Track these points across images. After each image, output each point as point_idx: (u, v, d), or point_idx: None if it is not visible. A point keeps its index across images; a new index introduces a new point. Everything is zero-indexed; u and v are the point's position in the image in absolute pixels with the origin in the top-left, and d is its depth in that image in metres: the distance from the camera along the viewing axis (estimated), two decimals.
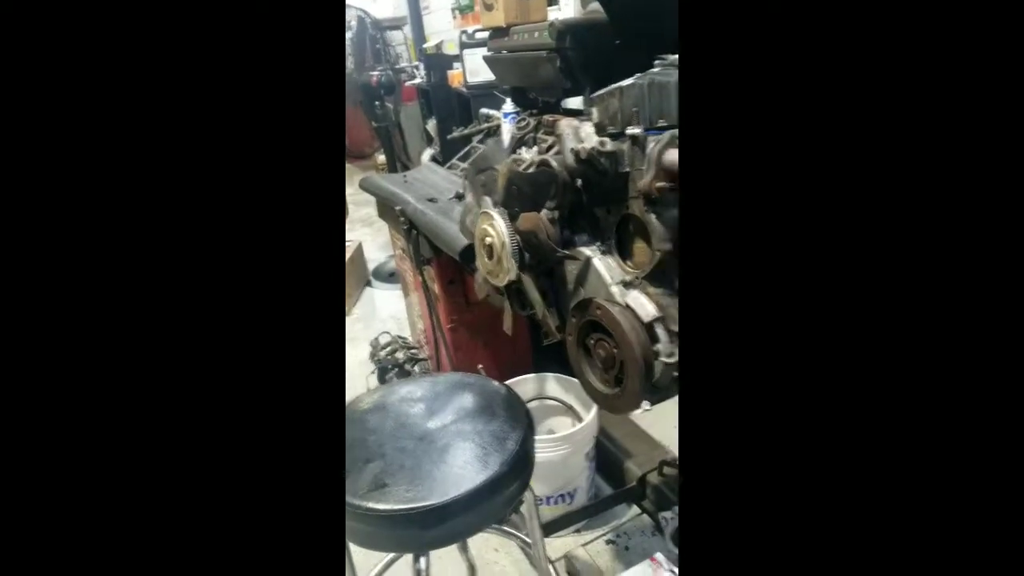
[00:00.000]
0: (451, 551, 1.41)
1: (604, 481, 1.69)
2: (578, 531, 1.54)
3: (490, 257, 0.93)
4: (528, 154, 0.89)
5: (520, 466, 0.85)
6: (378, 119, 3.47)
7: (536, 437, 1.44)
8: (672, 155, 0.74)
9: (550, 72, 1.56)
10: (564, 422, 1.66)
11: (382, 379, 2.14)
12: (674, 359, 0.76)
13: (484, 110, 1.99)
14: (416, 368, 2.13)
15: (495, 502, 0.81)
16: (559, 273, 0.94)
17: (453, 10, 3.35)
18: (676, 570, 1.26)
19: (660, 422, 1.95)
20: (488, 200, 0.92)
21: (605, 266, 0.85)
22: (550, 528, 1.44)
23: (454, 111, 3.46)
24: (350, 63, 3.56)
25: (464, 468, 0.81)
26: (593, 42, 1.72)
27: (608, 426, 1.73)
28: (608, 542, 1.51)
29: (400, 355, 2.19)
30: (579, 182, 0.85)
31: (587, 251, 0.88)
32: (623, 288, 0.82)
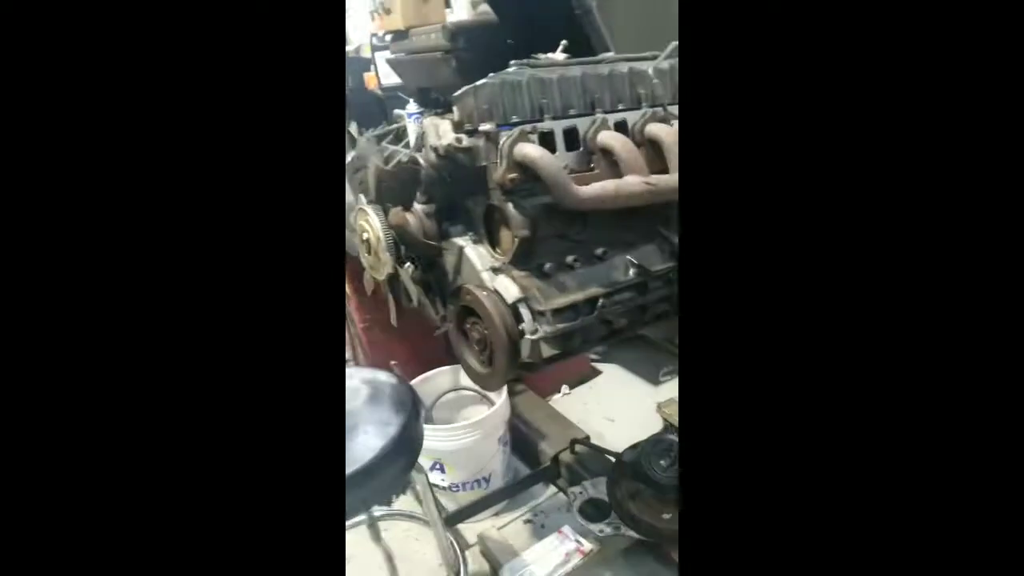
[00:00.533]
0: (365, 543, 1.43)
1: (522, 464, 1.76)
2: (496, 514, 1.59)
3: (369, 252, 0.97)
4: (400, 152, 0.93)
5: (402, 448, 0.89)
6: None
7: (447, 426, 1.50)
8: (522, 148, 0.80)
9: (446, 72, 1.60)
10: (480, 410, 1.72)
11: None
12: (537, 335, 0.83)
13: (397, 111, 2.02)
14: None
15: (379, 481, 0.86)
16: (440, 264, 0.99)
17: (371, 12, 3.34)
18: (581, 539, 1.34)
19: (576, 405, 2.04)
20: (363, 197, 0.96)
21: (476, 254, 0.91)
22: (467, 513, 1.48)
23: (372, 114, 3.45)
24: None
25: (349, 452, 0.85)
26: (485, 42, 1.77)
27: (525, 411, 1.80)
28: (526, 522, 1.58)
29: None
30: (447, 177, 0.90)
31: (460, 241, 0.93)
32: (492, 273, 0.88)
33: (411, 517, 1.25)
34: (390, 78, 3.10)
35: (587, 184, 0.84)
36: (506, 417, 1.58)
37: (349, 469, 0.83)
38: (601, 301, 0.86)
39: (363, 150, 0.96)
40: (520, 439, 1.73)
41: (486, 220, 0.90)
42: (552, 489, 1.66)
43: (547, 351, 0.91)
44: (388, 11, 2.02)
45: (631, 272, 0.91)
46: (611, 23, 1.30)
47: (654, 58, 1.00)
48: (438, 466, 1.51)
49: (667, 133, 0.90)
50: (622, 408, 2.03)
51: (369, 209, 0.92)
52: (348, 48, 4.16)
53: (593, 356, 2.25)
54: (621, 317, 0.93)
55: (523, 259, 0.85)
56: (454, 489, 1.54)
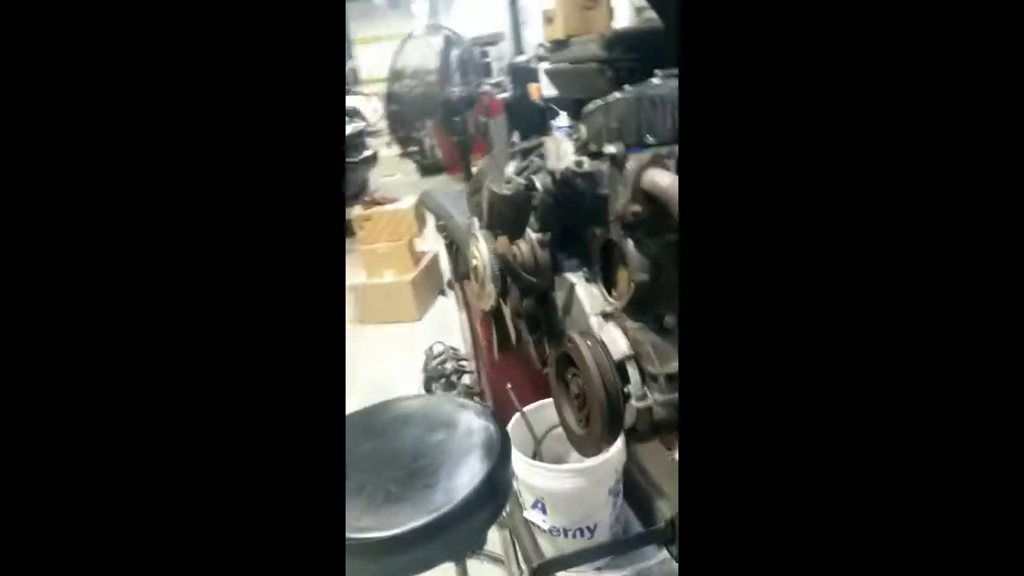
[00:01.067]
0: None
1: (637, 519, 1.58)
2: (599, 569, 1.44)
3: (476, 280, 0.90)
4: (515, 173, 0.85)
5: (484, 499, 0.80)
6: (457, 133, 3.55)
7: (551, 466, 1.38)
8: (651, 176, 0.67)
9: (601, 84, 1.51)
10: None
11: (428, 389, 2.17)
12: (646, 403, 0.69)
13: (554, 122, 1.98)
14: (463, 381, 2.13)
15: (454, 534, 0.78)
16: (552, 300, 0.89)
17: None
18: None
19: None
20: (476, 222, 0.89)
21: (587, 294, 0.79)
22: (563, 563, 1.36)
23: (536, 124, 3.49)
24: (434, 79, 3.68)
25: (420, 500, 0.78)
26: (646, 52, 1.64)
27: (646, 461, 1.62)
28: None
29: (449, 366, 2.20)
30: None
31: (572, 277, 0.82)
32: (602, 320, 0.76)
33: (501, 562, 1.16)
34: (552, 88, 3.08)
35: None
36: (620, 466, 1.42)
37: (425, 517, 0.76)
38: None
39: (483, 170, 0.90)
40: (636, 492, 1.55)
41: (603, 257, 0.78)
42: (665, 553, 1.46)
43: (661, 418, 0.76)
44: (550, 20, 1.98)
45: None
46: None
47: None
48: (540, 505, 1.41)
49: None
50: None
51: (479, 235, 0.85)
52: (520, 58, 4.29)
53: None
54: None
55: (640, 308, 0.71)
56: (555, 533, 1.43)
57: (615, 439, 0.73)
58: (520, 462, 1.38)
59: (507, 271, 0.83)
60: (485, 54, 6.84)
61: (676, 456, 1.81)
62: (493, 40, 6.80)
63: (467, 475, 0.81)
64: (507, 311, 0.86)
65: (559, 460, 1.51)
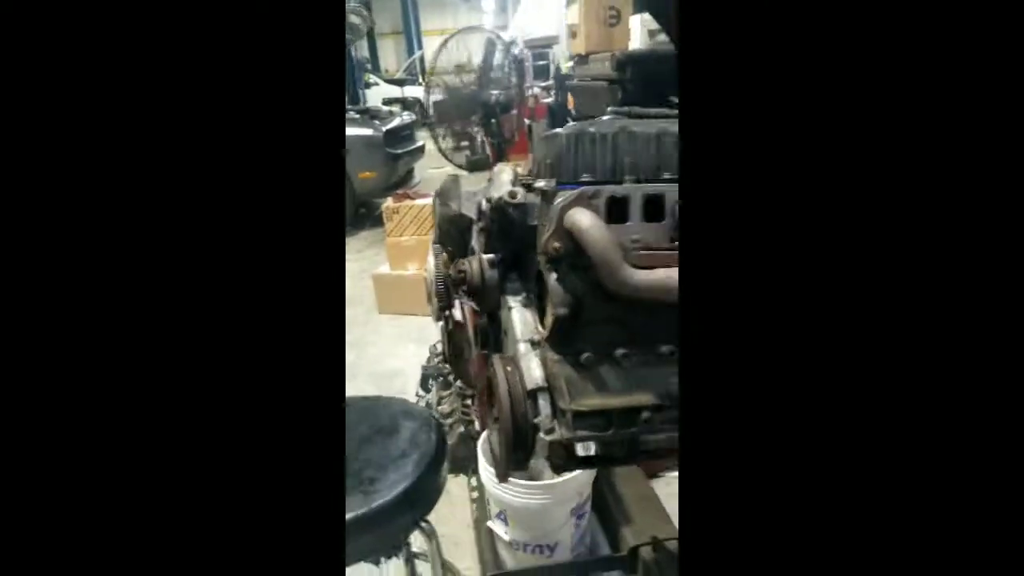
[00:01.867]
0: None
1: (606, 542, 1.57)
2: None
3: (427, 293, 0.92)
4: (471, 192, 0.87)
5: (406, 505, 0.82)
6: (493, 135, 3.59)
7: (514, 481, 1.39)
8: (572, 214, 0.67)
9: (609, 102, 1.51)
10: None
11: (424, 385, 2.21)
12: (553, 437, 0.69)
13: None
14: (458, 382, 2.16)
15: (374, 536, 0.80)
16: (499, 319, 0.90)
17: None
18: None
19: None
20: (432, 237, 0.91)
21: (521, 320, 0.80)
22: None
23: None
24: (473, 79, 3.73)
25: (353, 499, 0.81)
26: (656, 73, 1.62)
27: (620, 484, 1.60)
28: None
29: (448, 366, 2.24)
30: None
31: (511, 300, 0.83)
32: (529, 347, 0.76)
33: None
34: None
35: (662, 265, 0.67)
36: (585, 488, 1.42)
37: (349, 515, 0.79)
38: (647, 415, 0.69)
39: (445, 187, 0.92)
40: (607, 516, 1.55)
41: (538, 286, 0.78)
42: None
43: (583, 451, 0.76)
44: (574, 34, 1.99)
45: None
46: None
47: None
48: (502, 516, 1.42)
49: None
50: None
51: (431, 249, 0.88)
52: (568, 65, 4.25)
53: None
54: None
55: (560, 341, 0.72)
56: (515, 547, 1.44)
57: (521, 467, 0.74)
58: (485, 473, 1.39)
59: (450, 287, 0.85)
60: (543, 56, 6.83)
61: (655, 482, 1.78)
62: (548, 43, 6.79)
63: (390, 482, 0.83)
64: (442, 329, 0.88)
65: (535, 476, 1.52)
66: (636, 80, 1.73)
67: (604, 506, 1.54)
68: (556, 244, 0.68)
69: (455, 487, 1.84)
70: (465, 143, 5.23)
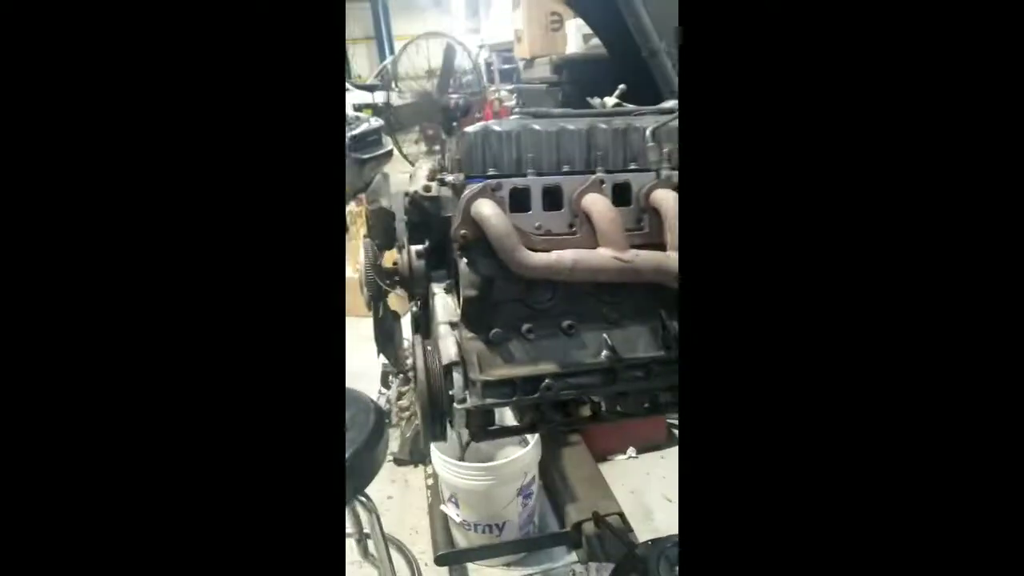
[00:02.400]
0: None
1: (556, 520, 1.65)
2: (508, 564, 1.52)
3: (359, 284, 0.99)
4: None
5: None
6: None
7: (461, 464, 1.46)
8: (478, 205, 0.75)
9: (551, 105, 1.58)
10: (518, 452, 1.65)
11: (384, 382, 2.26)
12: (464, 406, 0.77)
13: None
14: None
15: None
16: (431, 306, 0.97)
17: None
18: None
19: (637, 473, 1.85)
20: (363, 232, 0.98)
21: (443, 304, 0.87)
22: (467, 556, 1.44)
23: None
24: (431, 86, 3.80)
25: None
26: (591, 76, 1.71)
27: (568, 466, 1.69)
28: None
29: (410, 362, 2.29)
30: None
31: (435, 287, 0.90)
32: (448, 328, 0.84)
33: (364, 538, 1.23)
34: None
35: (560, 249, 0.75)
36: (530, 468, 1.50)
37: None
38: (548, 382, 0.76)
39: (375, 185, 0.99)
40: (555, 495, 1.63)
41: (455, 271, 0.86)
42: (573, 556, 1.53)
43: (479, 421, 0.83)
44: (519, 39, 2.07)
45: (603, 354, 0.79)
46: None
47: None
48: (454, 500, 1.49)
49: (671, 202, 0.77)
50: None
51: (361, 243, 0.94)
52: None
53: (673, 420, 2.03)
54: (590, 402, 0.82)
55: (473, 321, 0.79)
56: (466, 527, 1.51)
57: (440, 437, 0.81)
58: (437, 459, 1.46)
59: (379, 277, 0.92)
60: (511, 60, 6.91)
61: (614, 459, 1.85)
62: (508, 48, 6.89)
63: None
64: (373, 316, 0.95)
65: (488, 459, 1.59)
66: (571, 82, 1.82)
67: (552, 487, 1.62)
68: (464, 232, 0.75)
69: (413, 477, 1.91)
70: (437, 147, 5.29)
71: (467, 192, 0.76)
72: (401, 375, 2.28)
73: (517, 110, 0.85)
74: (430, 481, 1.69)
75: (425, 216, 0.83)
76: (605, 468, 1.78)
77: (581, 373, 0.78)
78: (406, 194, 0.84)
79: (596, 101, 1.05)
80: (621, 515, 1.49)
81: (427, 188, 0.79)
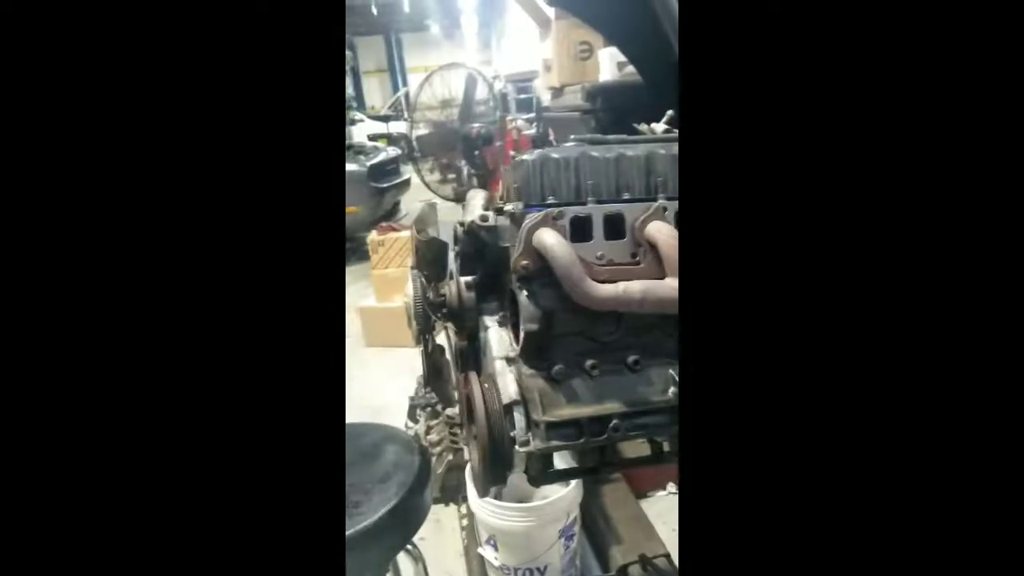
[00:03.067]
0: None
1: (597, 563, 1.57)
2: None
3: (407, 317, 0.95)
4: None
5: (389, 527, 0.84)
6: (475, 167, 3.67)
7: (499, 503, 1.40)
8: (539, 234, 0.71)
9: (584, 132, 1.57)
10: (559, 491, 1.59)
11: (412, 416, 2.21)
12: (527, 448, 0.72)
13: None
14: (446, 412, 2.16)
15: (358, 558, 0.81)
16: (479, 340, 0.93)
17: None
18: None
19: (674, 508, 1.77)
20: (411, 263, 0.95)
21: (497, 338, 0.84)
22: None
23: None
24: (455, 115, 3.85)
25: None
26: (625, 103, 1.70)
27: (609, 505, 1.61)
28: None
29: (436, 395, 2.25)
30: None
31: (488, 320, 0.87)
32: (505, 364, 0.80)
33: None
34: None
35: (625, 279, 0.72)
36: (572, 508, 1.43)
37: None
38: (615, 422, 0.72)
39: (422, 215, 0.96)
40: (596, 536, 1.55)
41: (511, 305, 0.82)
42: None
43: (560, 464, 0.79)
44: (548, 68, 2.07)
45: (670, 391, 0.75)
46: None
47: None
48: (492, 542, 1.43)
49: None
50: None
51: (410, 275, 0.91)
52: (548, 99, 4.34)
53: None
54: (651, 442, 0.77)
55: (534, 356, 0.75)
56: (505, 571, 1.43)
57: (500, 481, 0.76)
58: (473, 498, 1.40)
59: (431, 310, 0.89)
60: (525, 90, 7.02)
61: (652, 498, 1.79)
62: (529, 78, 7.01)
63: (374, 504, 0.85)
64: (422, 352, 0.91)
65: (523, 499, 1.53)
66: (606, 109, 1.81)
67: (594, 527, 1.55)
68: (525, 262, 0.72)
69: (445, 517, 1.84)
70: (452, 175, 5.35)
71: (528, 221, 0.73)
72: (429, 408, 2.23)
73: (573, 137, 0.82)
74: (464, 522, 1.63)
75: (480, 246, 0.79)
76: (645, 505, 1.70)
77: (649, 412, 0.74)
78: (460, 224, 0.81)
79: (644, 127, 1.02)
80: (667, 556, 1.41)
81: (484, 218, 0.76)
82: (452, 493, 1.86)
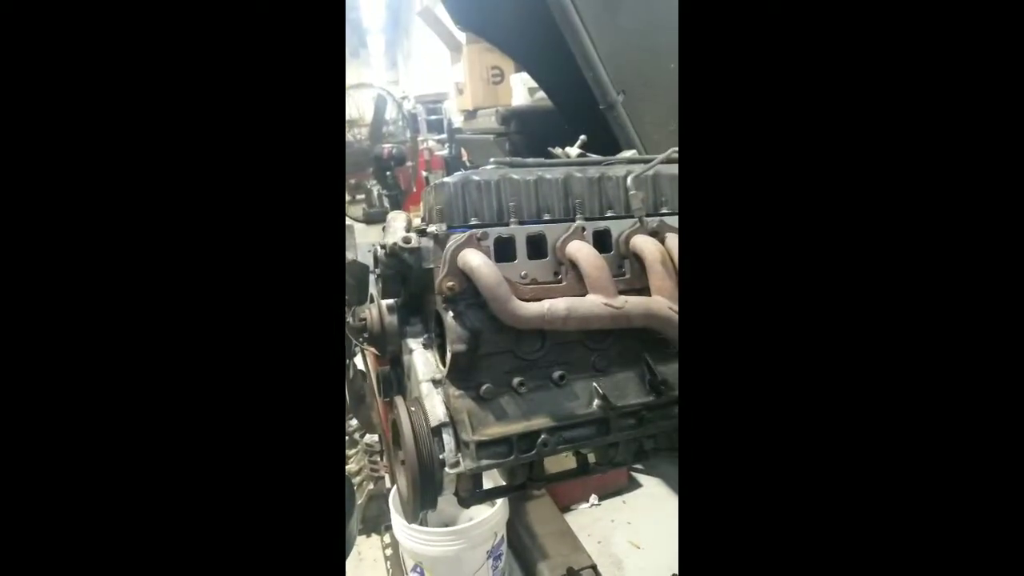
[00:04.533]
0: None
1: None
2: None
3: None
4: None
5: None
6: (389, 188, 3.63)
7: (426, 530, 1.37)
8: (465, 256, 0.72)
9: (499, 154, 1.59)
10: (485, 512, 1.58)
11: None
12: (458, 469, 0.72)
13: None
14: (364, 439, 2.09)
15: None
16: (403, 363, 0.92)
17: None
18: None
19: (602, 520, 1.82)
20: None
21: (423, 360, 0.83)
22: None
23: None
24: (364, 135, 3.79)
25: None
26: (538, 127, 1.75)
27: (534, 521, 1.63)
28: None
29: (354, 422, 2.17)
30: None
31: (412, 343, 0.86)
32: (432, 386, 0.79)
33: None
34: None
35: (549, 297, 0.74)
36: (499, 528, 1.43)
37: None
38: (544, 437, 0.73)
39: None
40: (523, 553, 1.55)
41: (437, 326, 0.82)
42: None
43: (489, 483, 0.79)
44: (461, 91, 2.10)
45: (595, 404, 0.77)
46: (644, 118, 1.21)
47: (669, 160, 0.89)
48: (418, 570, 1.39)
49: (652, 248, 0.78)
50: (654, 533, 1.78)
51: None
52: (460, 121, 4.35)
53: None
54: (577, 454, 0.79)
55: (461, 376, 0.75)
56: None
57: (431, 505, 0.75)
58: (398, 526, 1.36)
59: (352, 335, 0.86)
60: (436, 111, 7.04)
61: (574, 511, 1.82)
62: (439, 99, 7.05)
63: None
64: (347, 379, 0.88)
65: (448, 523, 1.50)
66: (519, 132, 1.86)
67: (520, 545, 1.55)
68: (451, 283, 0.72)
69: (368, 548, 1.76)
70: (361, 196, 5.22)
71: (452, 242, 0.73)
72: (347, 437, 2.14)
73: (492, 160, 0.84)
74: (388, 551, 1.57)
75: (403, 268, 0.79)
76: (570, 518, 1.73)
77: (576, 425, 0.76)
78: (381, 246, 0.80)
79: (558, 151, 1.06)
80: (594, 567, 1.44)
81: (407, 240, 0.76)
82: (373, 523, 1.79)
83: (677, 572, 0.95)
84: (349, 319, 0.86)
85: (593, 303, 0.73)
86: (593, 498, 1.91)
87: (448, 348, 0.74)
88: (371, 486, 1.85)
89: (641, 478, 2.00)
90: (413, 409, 0.75)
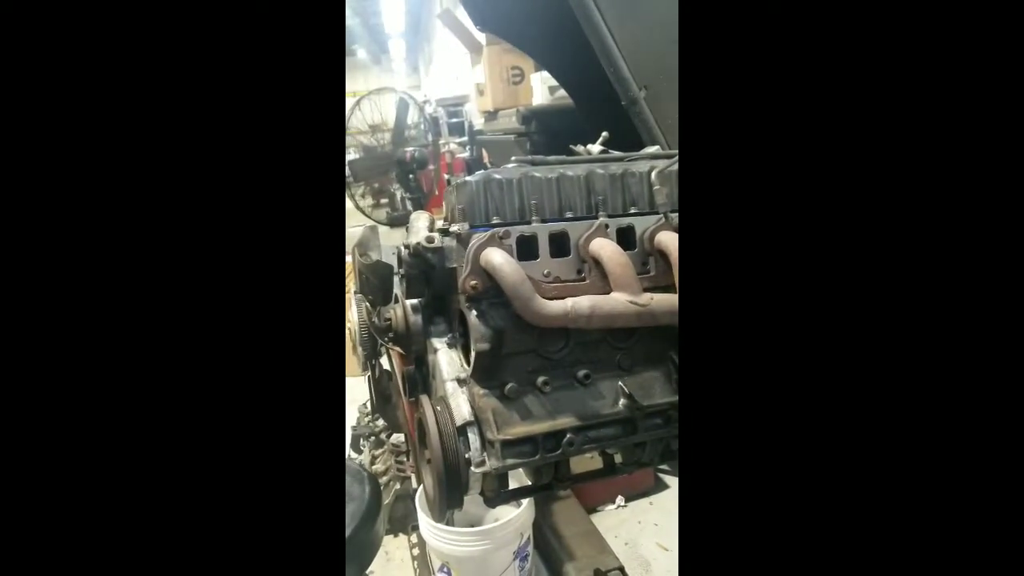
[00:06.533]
0: None
1: None
2: None
3: (351, 343, 0.93)
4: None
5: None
6: (411, 190, 3.67)
7: (452, 529, 1.38)
8: (488, 254, 0.72)
9: (519, 154, 1.59)
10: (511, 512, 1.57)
11: (355, 447, 2.14)
12: (484, 468, 0.71)
13: None
14: (391, 439, 2.11)
15: None
16: (427, 363, 0.92)
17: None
18: None
19: (629, 522, 1.80)
20: (354, 288, 0.93)
21: (447, 360, 0.83)
22: None
23: None
24: (386, 139, 3.84)
25: None
26: (559, 126, 1.74)
27: (560, 522, 1.62)
28: None
29: (380, 423, 2.18)
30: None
31: (436, 343, 0.86)
32: (456, 385, 0.79)
33: None
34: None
35: (573, 295, 0.73)
36: (525, 528, 1.42)
37: None
38: (569, 436, 0.72)
39: (364, 238, 0.95)
40: (549, 554, 1.55)
41: (461, 325, 0.82)
42: None
43: (513, 483, 0.78)
44: (482, 92, 2.11)
45: (620, 403, 0.76)
46: (667, 113, 1.19)
47: None
48: (445, 570, 1.39)
49: (677, 244, 0.77)
50: None
51: (354, 300, 0.89)
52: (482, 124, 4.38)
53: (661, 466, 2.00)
54: (603, 454, 0.78)
55: (485, 375, 0.75)
56: None
57: (457, 504, 0.75)
58: (424, 526, 1.37)
59: (374, 335, 0.87)
60: (457, 114, 7.09)
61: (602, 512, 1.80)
62: (460, 102, 7.09)
63: None
64: (370, 380, 0.89)
65: (475, 523, 1.50)
66: (540, 132, 1.86)
67: (546, 546, 1.54)
68: (474, 282, 0.72)
69: (395, 548, 1.78)
70: (384, 200, 5.29)
71: (474, 241, 0.73)
72: (373, 437, 2.16)
73: (514, 158, 0.84)
74: (415, 551, 1.58)
75: (426, 268, 0.79)
76: (596, 520, 1.72)
77: (601, 425, 0.75)
78: (405, 246, 0.80)
79: (580, 148, 1.06)
80: (621, 569, 1.43)
81: (430, 239, 0.76)
82: (401, 523, 1.81)
83: None
84: (374, 319, 0.87)
85: (617, 301, 0.72)
86: (619, 499, 1.89)
87: (472, 347, 0.74)
88: (398, 486, 1.86)
89: (668, 479, 1.97)
90: (438, 408, 0.75)
